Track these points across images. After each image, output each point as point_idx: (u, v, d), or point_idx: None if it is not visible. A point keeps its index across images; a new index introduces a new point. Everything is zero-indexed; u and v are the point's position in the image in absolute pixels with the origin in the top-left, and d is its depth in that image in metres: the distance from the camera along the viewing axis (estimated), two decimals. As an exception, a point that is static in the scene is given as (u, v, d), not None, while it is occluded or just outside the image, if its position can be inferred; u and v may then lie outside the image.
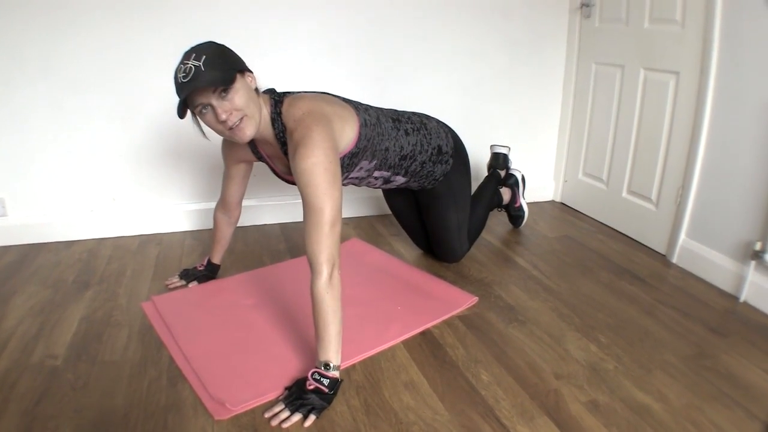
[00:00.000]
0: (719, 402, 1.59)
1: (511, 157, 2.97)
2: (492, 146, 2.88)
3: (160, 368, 1.75)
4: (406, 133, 2.06)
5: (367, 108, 1.96)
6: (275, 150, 1.86)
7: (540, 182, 3.39)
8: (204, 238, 2.76)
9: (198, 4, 2.56)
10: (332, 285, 1.59)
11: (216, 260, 2.34)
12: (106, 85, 2.58)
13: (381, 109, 2.05)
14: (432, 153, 2.15)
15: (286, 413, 1.52)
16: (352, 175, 1.98)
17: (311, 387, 1.56)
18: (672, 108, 2.48)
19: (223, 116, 1.59)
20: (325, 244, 1.59)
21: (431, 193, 2.31)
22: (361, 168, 1.96)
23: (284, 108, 1.73)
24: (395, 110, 2.14)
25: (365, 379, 1.70)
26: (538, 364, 1.78)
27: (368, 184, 2.14)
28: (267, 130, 1.76)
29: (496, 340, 1.91)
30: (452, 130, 2.32)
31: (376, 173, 2.05)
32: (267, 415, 1.53)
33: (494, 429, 1.49)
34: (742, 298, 2.16)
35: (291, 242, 2.75)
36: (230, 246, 2.65)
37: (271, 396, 1.61)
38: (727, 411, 1.55)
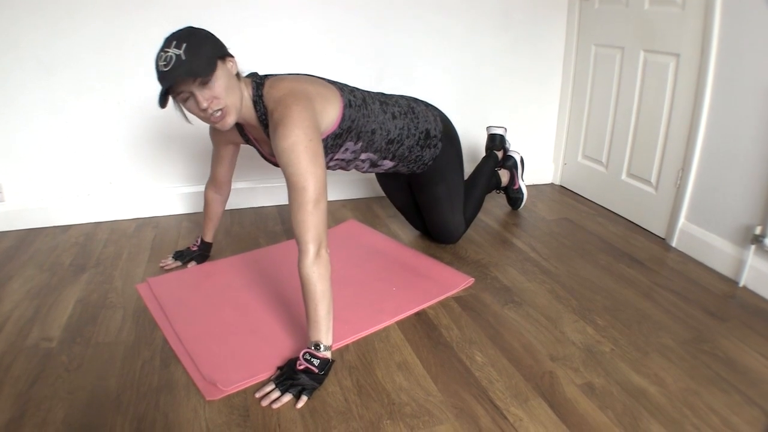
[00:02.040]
0: (716, 386, 1.58)
1: (509, 138, 2.95)
2: (488, 128, 2.87)
3: (153, 349, 1.75)
4: (393, 117, 2.04)
5: (353, 90, 1.94)
6: (260, 132, 1.85)
7: (539, 165, 3.37)
8: (201, 220, 2.73)
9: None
10: (319, 263, 1.58)
11: (208, 239, 2.35)
12: (103, 68, 2.56)
13: (368, 92, 2.03)
14: (420, 137, 2.14)
15: (276, 393, 1.52)
16: (337, 156, 1.97)
17: (302, 367, 1.55)
18: (672, 90, 2.46)
19: (204, 104, 1.59)
20: (310, 222, 1.58)
21: (422, 177, 2.30)
22: (346, 149, 1.95)
23: (265, 90, 1.72)
24: (383, 93, 2.12)
25: (358, 359, 1.70)
26: (534, 345, 1.77)
27: (356, 167, 2.12)
28: (249, 114, 1.75)
29: (491, 321, 1.90)
30: (442, 113, 2.30)
31: (363, 155, 2.03)
32: (258, 395, 1.53)
33: (487, 410, 1.49)
34: (742, 283, 2.14)
35: (287, 224, 2.74)
36: (226, 227, 2.67)
37: (264, 376, 1.61)
38: (724, 395, 1.54)
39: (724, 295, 2.08)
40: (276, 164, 1.97)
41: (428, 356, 1.71)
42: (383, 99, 2.06)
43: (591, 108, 3.04)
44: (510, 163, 2.86)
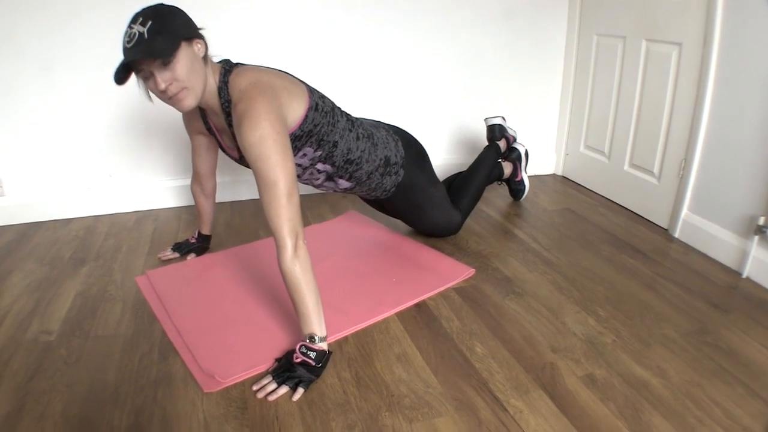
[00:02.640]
0: (719, 378, 1.57)
1: (512, 126, 2.94)
2: (486, 119, 2.84)
3: (152, 342, 1.74)
4: (357, 138, 1.98)
5: (323, 96, 1.88)
6: (221, 121, 1.80)
7: (541, 155, 3.35)
8: (201, 213, 2.76)
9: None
10: (299, 257, 1.56)
11: (205, 231, 2.35)
12: (103, 60, 2.54)
13: (339, 107, 1.98)
14: (379, 164, 2.07)
15: (272, 386, 1.51)
16: (295, 161, 1.86)
17: (298, 360, 1.55)
18: (674, 80, 2.44)
19: (162, 86, 1.54)
20: (284, 216, 1.55)
21: (390, 203, 2.29)
22: (305, 155, 1.86)
23: (231, 78, 1.67)
24: (349, 114, 2.04)
25: (357, 351, 1.69)
26: (535, 337, 1.76)
27: (311, 177, 2.02)
28: (213, 100, 1.71)
29: (492, 312, 1.89)
30: (405, 134, 2.24)
31: (320, 165, 1.95)
32: (254, 387, 1.53)
33: (487, 402, 1.48)
34: (745, 274, 2.13)
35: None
36: (226, 219, 2.67)
37: (262, 368, 1.61)
38: (727, 387, 1.53)
39: (727, 287, 2.07)
40: (233, 158, 1.94)
41: (428, 348, 1.71)
42: (350, 117, 2.00)
43: (593, 98, 3.02)
44: (514, 156, 2.84)
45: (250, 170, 2.83)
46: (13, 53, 2.45)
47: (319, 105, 1.81)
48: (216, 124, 1.88)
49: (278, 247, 1.56)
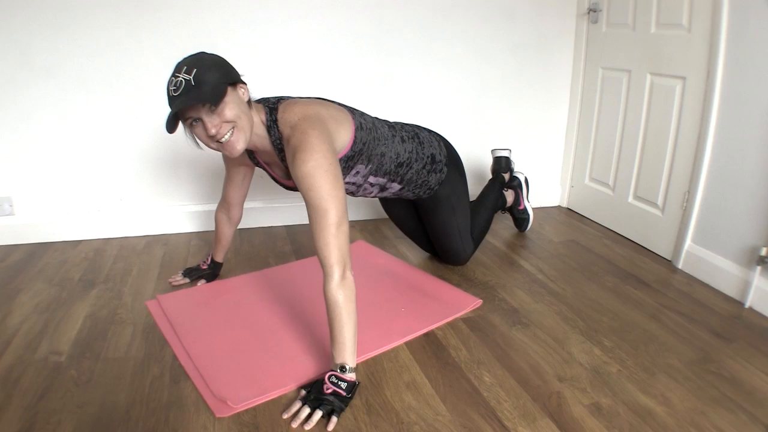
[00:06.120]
0: (723, 406, 1.58)
1: (513, 158, 2.96)
2: (493, 150, 2.88)
3: (163, 366, 1.75)
4: (402, 141, 2.06)
5: (362, 113, 1.96)
6: (272, 157, 1.87)
7: (546, 187, 3.38)
8: (210, 239, 2.76)
9: (205, 7, 2.58)
10: (345, 286, 1.58)
11: (218, 258, 2.36)
12: (114, 85, 2.60)
13: (376, 117, 2.06)
14: (426, 162, 2.15)
15: (306, 410, 1.50)
16: (348, 180, 1.96)
17: (329, 390, 1.54)
18: (678, 113, 2.48)
19: (213, 131, 1.59)
20: (333, 245, 1.58)
21: (429, 203, 2.31)
22: (357, 173, 1.95)
23: (279, 115, 1.73)
24: (388, 121, 2.14)
25: (367, 378, 1.70)
26: (542, 366, 1.77)
27: (364, 192, 2.11)
28: (263, 140, 1.77)
29: (499, 342, 1.91)
30: (444, 138, 2.32)
31: (372, 179, 2.04)
32: (286, 416, 1.52)
33: (496, 430, 1.49)
34: (748, 304, 2.14)
35: (297, 244, 2.76)
36: (236, 246, 2.68)
37: (273, 395, 1.61)
38: (730, 416, 1.54)
39: (730, 316, 2.08)
40: (288, 187, 1.98)
41: (437, 376, 1.72)
42: (390, 124, 2.09)
43: (598, 131, 3.05)
44: (515, 183, 2.87)
45: (263, 199, 2.89)
46: (27, 74, 2.50)
47: (363, 124, 1.88)
48: (266, 160, 1.94)
49: (325, 275, 1.59)
